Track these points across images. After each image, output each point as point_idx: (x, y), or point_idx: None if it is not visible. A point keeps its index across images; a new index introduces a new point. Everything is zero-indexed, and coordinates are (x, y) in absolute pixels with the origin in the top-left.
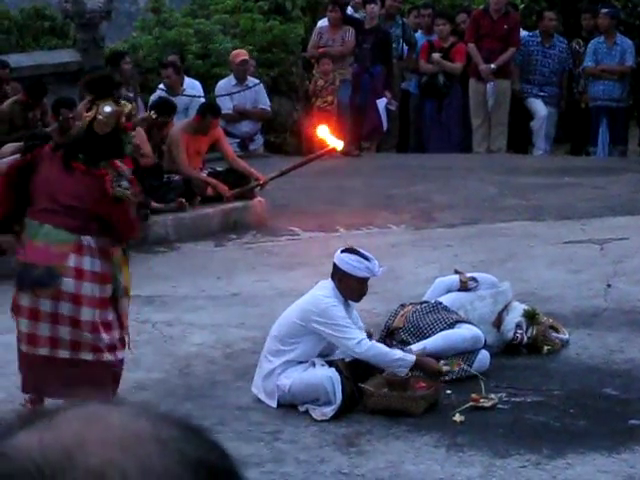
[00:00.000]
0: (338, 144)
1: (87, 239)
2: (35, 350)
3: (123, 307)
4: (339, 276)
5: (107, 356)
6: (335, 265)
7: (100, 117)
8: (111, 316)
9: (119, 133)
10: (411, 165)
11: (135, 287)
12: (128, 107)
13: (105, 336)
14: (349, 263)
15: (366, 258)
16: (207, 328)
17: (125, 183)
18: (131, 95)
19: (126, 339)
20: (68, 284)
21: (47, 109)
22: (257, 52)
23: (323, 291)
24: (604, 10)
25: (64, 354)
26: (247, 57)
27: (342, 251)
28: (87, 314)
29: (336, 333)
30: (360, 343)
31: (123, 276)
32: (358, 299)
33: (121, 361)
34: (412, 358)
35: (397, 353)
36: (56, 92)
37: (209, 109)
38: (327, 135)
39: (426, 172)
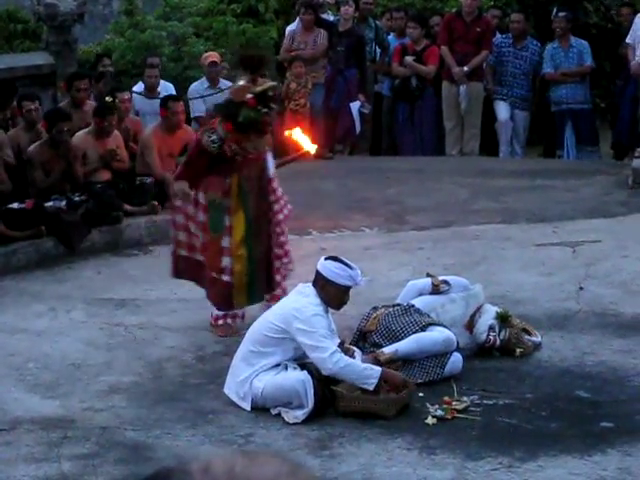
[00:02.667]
0: (311, 147)
1: None
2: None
3: None
4: (322, 283)
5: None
6: (318, 272)
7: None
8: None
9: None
10: (384, 168)
11: (108, 290)
12: (262, 87)
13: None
14: (333, 271)
15: (349, 267)
16: (179, 331)
17: (215, 137)
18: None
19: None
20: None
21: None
22: (230, 55)
23: (309, 298)
24: (560, 14)
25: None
26: (217, 59)
27: (326, 258)
28: None
29: (312, 342)
30: (333, 355)
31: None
32: (338, 307)
33: None
34: (378, 370)
35: (365, 367)
36: None
37: (168, 97)
38: (300, 138)
39: (399, 175)
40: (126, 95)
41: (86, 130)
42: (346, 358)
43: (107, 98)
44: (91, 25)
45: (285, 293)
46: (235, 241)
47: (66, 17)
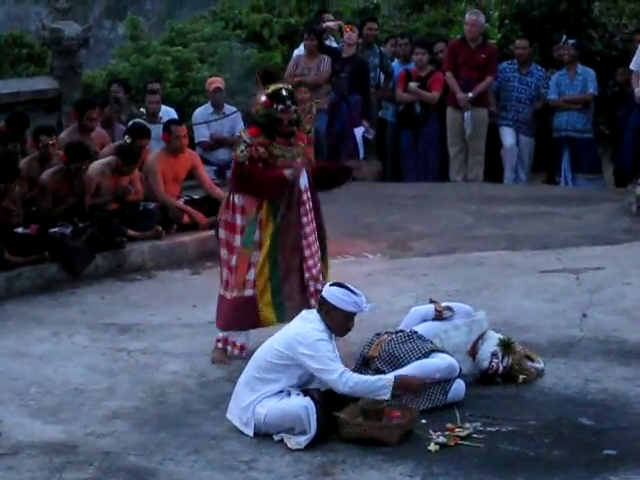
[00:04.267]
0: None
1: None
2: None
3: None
4: (326, 309)
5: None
6: (323, 298)
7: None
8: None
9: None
10: (388, 194)
11: (111, 315)
12: (273, 88)
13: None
14: (337, 297)
15: (354, 293)
16: (182, 357)
17: (242, 146)
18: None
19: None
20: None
21: (26, 138)
22: (235, 80)
23: (313, 324)
24: (570, 41)
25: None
26: (221, 85)
27: (331, 284)
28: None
29: (320, 366)
30: (342, 375)
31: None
32: (343, 334)
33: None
34: (391, 377)
35: (377, 378)
36: (33, 119)
37: (170, 121)
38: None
39: (403, 201)
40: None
41: (105, 162)
42: (355, 375)
43: (126, 138)
44: (96, 50)
45: None
46: (262, 256)
47: (71, 42)
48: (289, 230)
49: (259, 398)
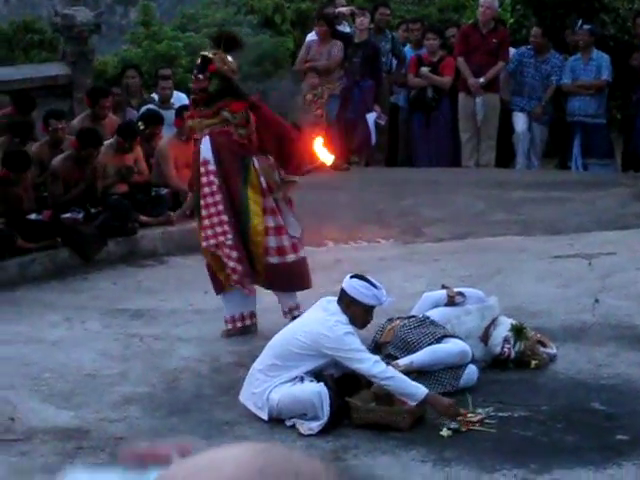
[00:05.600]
0: (328, 159)
1: None
2: None
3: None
4: (347, 302)
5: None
6: (343, 290)
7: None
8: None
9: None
10: (400, 179)
11: (123, 301)
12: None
13: None
14: (358, 290)
15: (375, 286)
16: (194, 342)
17: None
18: (134, 110)
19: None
20: None
21: (34, 122)
22: (247, 66)
23: (336, 316)
24: (585, 26)
25: None
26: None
27: (351, 277)
28: None
29: (353, 356)
30: (375, 364)
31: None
32: (362, 326)
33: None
34: (424, 392)
35: (411, 386)
36: (45, 105)
37: (183, 107)
38: (317, 149)
39: (415, 186)
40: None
41: (107, 144)
42: (390, 370)
43: (140, 124)
44: (108, 36)
45: None
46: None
47: (83, 28)
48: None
49: (274, 384)
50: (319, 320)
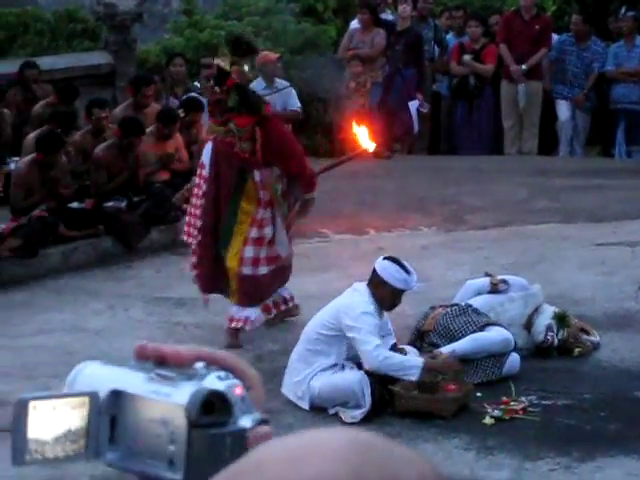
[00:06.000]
0: (370, 146)
1: None
2: None
3: None
4: (376, 282)
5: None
6: (374, 271)
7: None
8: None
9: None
10: (442, 167)
11: (166, 289)
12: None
13: None
14: (389, 272)
15: (406, 270)
16: None
17: None
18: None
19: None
20: None
21: (77, 111)
22: (289, 54)
23: (362, 296)
24: (629, 13)
25: None
26: (272, 59)
27: (384, 258)
28: None
29: (358, 336)
30: (376, 348)
31: None
32: (390, 309)
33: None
34: (421, 360)
35: (406, 358)
36: (88, 94)
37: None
38: (359, 136)
39: (457, 174)
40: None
41: (147, 131)
42: (387, 351)
43: (180, 112)
44: (150, 24)
45: None
46: None
47: (125, 17)
48: None
49: (313, 371)
50: (345, 298)
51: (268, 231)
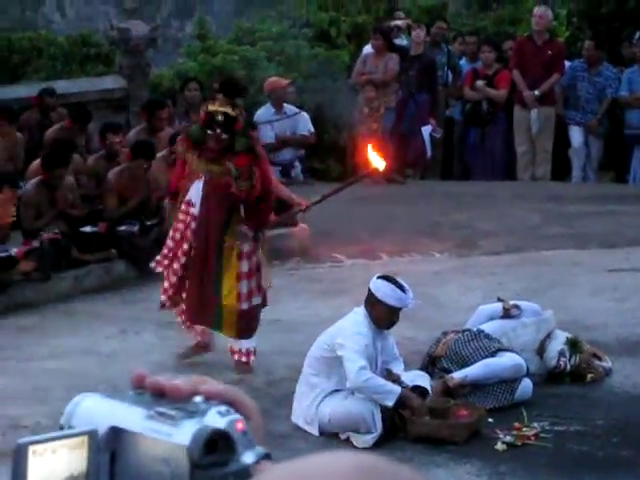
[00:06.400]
0: (380, 165)
1: None
2: None
3: None
4: (372, 302)
5: None
6: (369, 290)
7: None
8: None
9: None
10: (455, 192)
11: None
12: (215, 107)
13: None
14: (383, 291)
15: (401, 288)
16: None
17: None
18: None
19: None
20: None
21: (91, 135)
22: (302, 79)
23: (357, 317)
24: None
25: None
26: (281, 85)
27: (378, 277)
28: None
29: (346, 354)
30: (360, 370)
31: None
32: (387, 327)
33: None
34: (398, 388)
35: (386, 383)
36: (101, 118)
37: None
38: (370, 155)
39: (470, 199)
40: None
41: (159, 156)
42: (370, 373)
43: None
44: (164, 49)
45: None
46: None
47: (139, 41)
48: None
49: (319, 395)
50: (343, 320)
51: (255, 260)
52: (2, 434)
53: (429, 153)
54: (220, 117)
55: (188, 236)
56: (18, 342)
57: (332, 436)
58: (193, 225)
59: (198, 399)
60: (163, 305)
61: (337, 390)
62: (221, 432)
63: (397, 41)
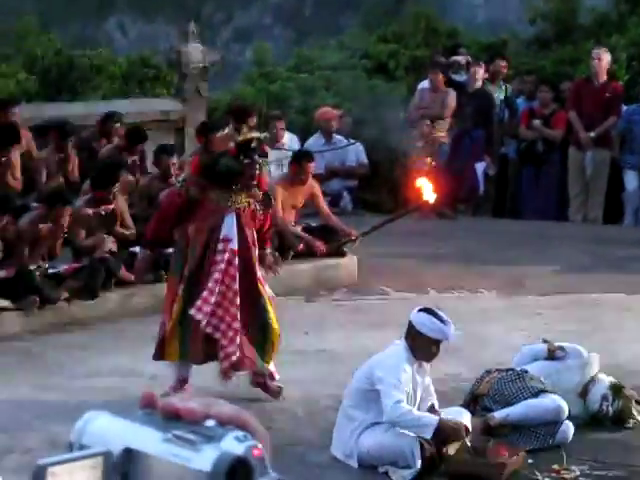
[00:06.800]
0: (431, 198)
1: None
2: None
3: None
4: (413, 335)
5: None
6: (410, 323)
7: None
8: None
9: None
10: (506, 230)
11: None
12: (244, 136)
13: None
14: (424, 323)
15: (442, 320)
16: (292, 383)
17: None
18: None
19: None
20: None
21: (145, 155)
22: (359, 110)
23: (397, 350)
24: None
25: None
26: (332, 115)
27: (419, 310)
28: None
29: (383, 388)
30: (396, 404)
31: None
32: (428, 360)
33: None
34: (436, 418)
35: (423, 415)
36: (157, 139)
37: (303, 155)
38: (421, 189)
39: (521, 238)
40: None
41: None
42: (405, 408)
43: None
44: (223, 73)
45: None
46: (179, 290)
47: (197, 65)
48: (198, 278)
49: (358, 427)
50: (382, 353)
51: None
52: (41, 450)
53: (482, 189)
54: (255, 143)
55: (232, 273)
56: (63, 359)
57: (370, 469)
58: (236, 261)
59: (211, 423)
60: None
61: (377, 423)
62: (241, 459)
63: (456, 77)
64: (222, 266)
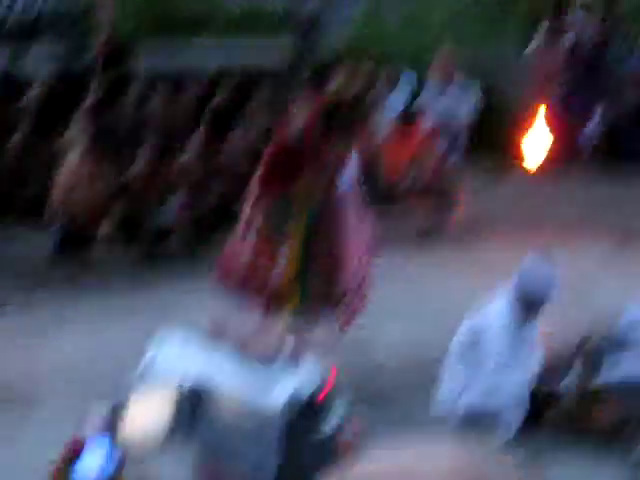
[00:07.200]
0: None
1: None
2: None
3: None
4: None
5: None
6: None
7: None
8: None
9: None
10: (617, 187)
11: None
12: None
13: None
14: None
15: (545, 274)
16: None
17: None
18: None
19: None
20: None
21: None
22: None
23: (499, 304)
24: None
25: None
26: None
27: (526, 262)
28: None
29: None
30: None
31: None
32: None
33: None
34: None
35: None
36: (265, 92)
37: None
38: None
39: (633, 195)
40: None
41: None
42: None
43: None
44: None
45: None
46: None
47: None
48: None
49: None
50: (486, 306)
51: None
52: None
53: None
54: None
55: None
56: None
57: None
58: None
59: (283, 357)
60: None
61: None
62: (311, 398)
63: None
64: None
